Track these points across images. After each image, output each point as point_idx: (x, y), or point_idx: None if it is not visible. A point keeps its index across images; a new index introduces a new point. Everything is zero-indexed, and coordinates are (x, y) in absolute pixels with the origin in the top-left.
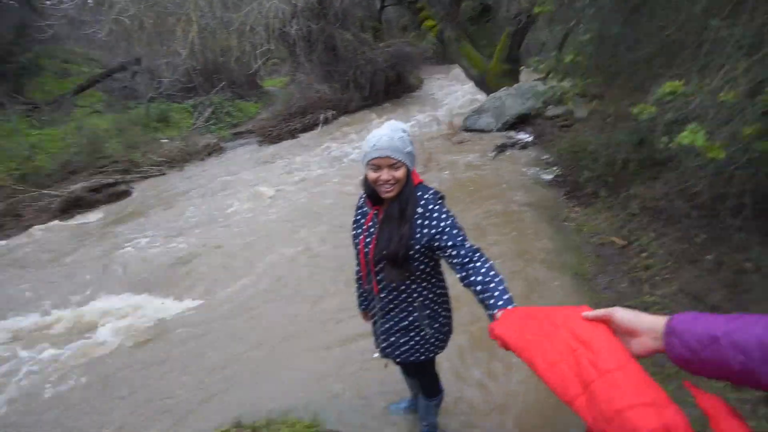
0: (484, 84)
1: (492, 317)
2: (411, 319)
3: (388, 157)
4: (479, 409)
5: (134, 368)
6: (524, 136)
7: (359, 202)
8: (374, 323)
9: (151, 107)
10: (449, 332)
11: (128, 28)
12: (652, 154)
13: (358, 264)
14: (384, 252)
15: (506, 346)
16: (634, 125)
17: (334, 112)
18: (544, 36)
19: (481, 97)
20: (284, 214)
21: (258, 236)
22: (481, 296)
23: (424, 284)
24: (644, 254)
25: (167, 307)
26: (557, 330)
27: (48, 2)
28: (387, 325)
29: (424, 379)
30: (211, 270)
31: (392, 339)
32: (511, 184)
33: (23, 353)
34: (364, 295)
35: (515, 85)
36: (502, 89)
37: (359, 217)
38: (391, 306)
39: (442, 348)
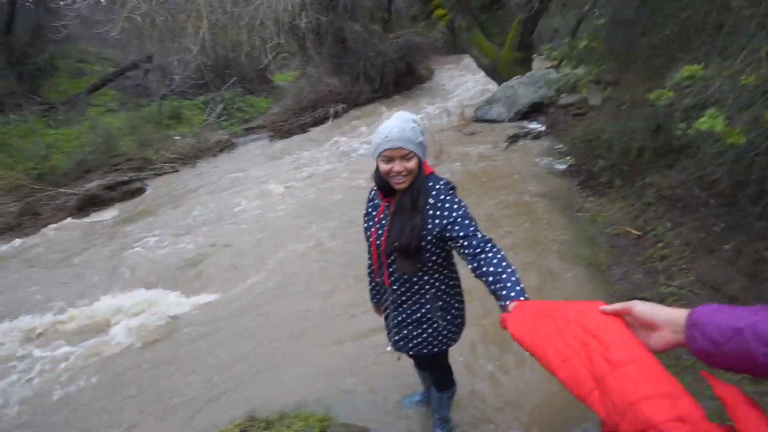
0: (496, 73)
1: (504, 308)
2: (423, 311)
3: (400, 148)
4: (491, 403)
5: (144, 367)
6: (537, 126)
7: (370, 194)
8: (386, 317)
9: (164, 104)
10: (462, 324)
11: (140, 26)
12: (669, 141)
13: (370, 257)
14: (396, 243)
15: (518, 343)
16: (651, 112)
17: (344, 105)
18: (557, 22)
19: (492, 86)
20: (293, 211)
21: (267, 233)
22: (492, 287)
23: (436, 275)
24: (660, 244)
25: (178, 305)
26: (569, 325)
27: (62, 3)
28: (399, 318)
29: (436, 372)
30: (221, 268)
31: (405, 332)
32: (523, 175)
33: (35, 352)
34: (376, 288)
35: (527, 74)
36: (515, 78)
37: (370, 209)
38: (404, 298)
39: (455, 340)
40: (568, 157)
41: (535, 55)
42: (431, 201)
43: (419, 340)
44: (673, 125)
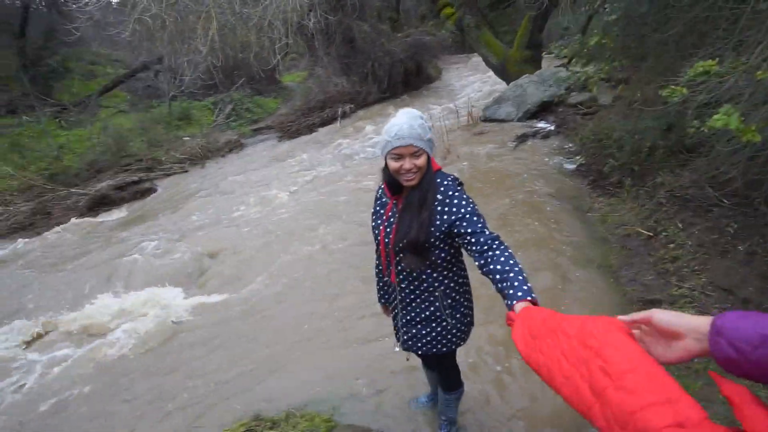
0: (505, 72)
1: (510, 307)
2: (432, 309)
3: (410, 145)
4: (498, 406)
5: (145, 370)
6: (546, 125)
7: (378, 193)
8: (395, 316)
9: (173, 105)
10: (471, 324)
11: (150, 27)
12: (681, 139)
13: (378, 256)
14: (404, 239)
15: (523, 359)
16: (662, 110)
17: (352, 105)
18: (567, 20)
19: (501, 86)
20: (298, 214)
21: (272, 236)
22: (499, 285)
23: (445, 272)
24: (672, 245)
25: (181, 308)
26: (570, 341)
27: (75, 5)
28: (408, 317)
29: (444, 372)
30: (225, 270)
31: (414, 331)
32: (533, 175)
33: (32, 356)
34: (384, 288)
35: (537, 72)
36: (524, 77)
37: (378, 208)
38: (412, 296)
39: (464, 340)
40: (578, 157)
41: (544, 53)
42: (439, 197)
43: (428, 339)
44: (686, 123)
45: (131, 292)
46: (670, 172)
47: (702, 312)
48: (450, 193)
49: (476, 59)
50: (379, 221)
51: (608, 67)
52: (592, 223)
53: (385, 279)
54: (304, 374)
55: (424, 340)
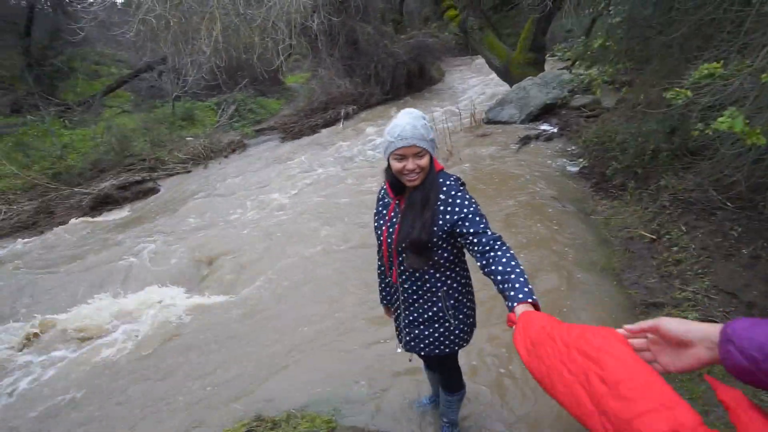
0: (508, 74)
1: (511, 309)
2: (435, 309)
3: (413, 146)
4: (499, 409)
5: (144, 371)
6: (549, 128)
7: (380, 194)
8: (397, 317)
9: (177, 106)
10: (473, 325)
11: (155, 28)
12: (685, 142)
13: (381, 257)
14: (407, 239)
15: (526, 366)
16: (666, 113)
17: (354, 107)
18: (571, 22)
19: (504, 88)
20: (299, 215)
21: (274, 237)
22: (501, 286)
23: (448, 273)
24: (675, 248)
25: (181, 309)
26: (570, 351)
27: (79, 6)
28: (411, 317)
29: (446, 373)
30: (226, 272)
31: (416, 331)
32: (535, 177)
33: (28, 358)
34: (387, 289)
35: (540, 75)
36: (527, 79)
37: (381, 208)
38: (415, 297)
39: (467, 341)
40: (581, 159)
41: (547, 56)
42: (442, 197)
43: (431, 339)
44: (690, 126)
45: (130, 293)
46: (673, 175)
47: (706, 315)
48: (453, 192)
49: (479, 61)
50: (381, 221)
51: (612, 69)
52: (595, 226)
53: (388, 280)
54: (305, 375)
55: (427, 341)
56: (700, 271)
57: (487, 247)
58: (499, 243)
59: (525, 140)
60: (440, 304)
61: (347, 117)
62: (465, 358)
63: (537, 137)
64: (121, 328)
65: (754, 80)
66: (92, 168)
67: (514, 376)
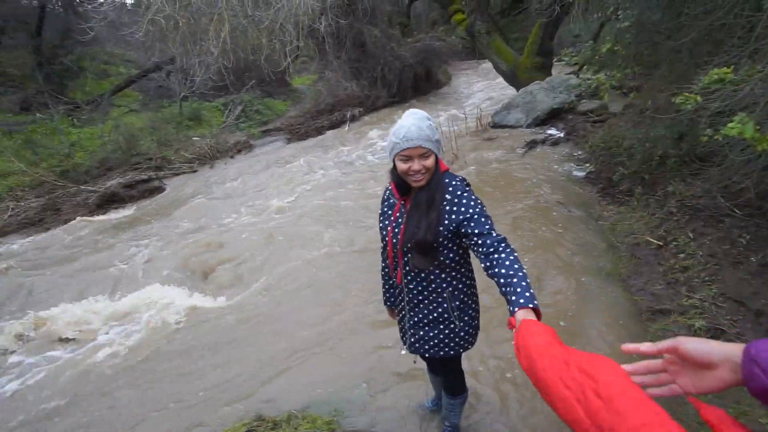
0: (515, 78)
1: (512, 313)
2: (440, 310)
3: (419, 147)
4: (502, 413)
5: (147, 372)
6: (555, 132)
7: (385, 194)
8: (401, 318)
9: (184, 106)
10: (477, 327)
11: (163, 28)
12: (693, 148)
13: (385, 258)
14: (412, 239)
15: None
16: (674, 118)
17: (361, 109)
18: (578, 27)
19: (510, 92)
20: (301, 218)
21: (275, 240)
22: (503, 289)
23: (453, 273)
24: (682, 255)
25: (181, 309)
26: (569, 369)
27: (90, 6)
28: (416, 318)
29: (449, 376)
30: (227, 274)
31: (421, 333)
32: (541, 181)
33: (21, 358)
34: (391, 290)
35: (547, 79)
36: (534, 83)
37: (386, 209)
38: (420, 297)
39: (471, 344)
40: (588, 164)
41: (555, 61)
42: (448, 197)
43: (435, 341)
44: (698, 132)
45: (129, 293)
46: (681, 181)
47: (713, 323)
48: (458, 193)
49: (486, 65)
50: (386, 222)
51: (620, 74)
52: (601, 231)
53: (392, 281)
54: (306, 377)
55: (432, 343)
56: (707, 278)
57: (492, 249)
58: (503, 245)
59: (531, 144)
60: (445, 305)
61: (353, 119)
62: (467, 362)
63: (543, 142)
64: (118, 329)
65: (765, 86)
66: (99, 166)
67: (516, 380)
